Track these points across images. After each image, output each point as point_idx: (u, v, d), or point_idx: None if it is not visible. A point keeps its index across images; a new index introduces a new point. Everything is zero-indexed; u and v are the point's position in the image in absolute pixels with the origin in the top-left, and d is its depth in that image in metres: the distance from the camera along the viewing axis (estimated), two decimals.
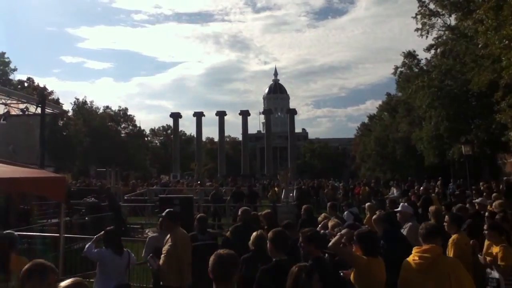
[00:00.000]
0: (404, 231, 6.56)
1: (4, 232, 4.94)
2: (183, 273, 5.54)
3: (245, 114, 68.27)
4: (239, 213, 7.45)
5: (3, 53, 54.38)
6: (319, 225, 6.97)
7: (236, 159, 71.11)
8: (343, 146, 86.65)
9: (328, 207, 9.12)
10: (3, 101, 16.19)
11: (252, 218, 7.31)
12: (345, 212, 9.63)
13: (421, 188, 18.21)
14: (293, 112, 73.36)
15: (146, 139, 79.22)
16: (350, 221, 7.49)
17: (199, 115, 66.18)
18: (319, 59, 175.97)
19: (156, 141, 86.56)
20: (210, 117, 67.23)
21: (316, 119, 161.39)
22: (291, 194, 19.83)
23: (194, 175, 47.69)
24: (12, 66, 55.12)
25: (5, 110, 16.47)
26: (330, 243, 4.58)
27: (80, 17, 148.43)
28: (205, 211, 15.46)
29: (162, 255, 5.60)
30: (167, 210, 6.07)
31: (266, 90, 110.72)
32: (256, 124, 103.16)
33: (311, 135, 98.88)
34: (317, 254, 4.42)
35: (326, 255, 4.81)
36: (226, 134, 74.14)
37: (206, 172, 67.94)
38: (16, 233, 5.19)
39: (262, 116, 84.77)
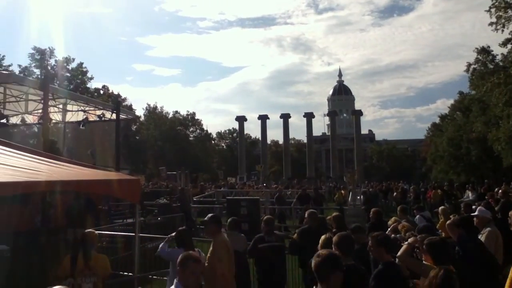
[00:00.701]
0: (481, 237, 6.17)
1: (86, 231, 5.26)
2: (219, 282, 5.44)
3: (309, 116, 67.79)
4: (306, 215, 7.42)
5: (81, 63, 58.15)
6: (389, 229, 6.77)
7: (301, 161, 70.79)
8: (413, 148, 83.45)
9: (399, 211, 8.81)
10: (82, 108, 17.35)
11: (319, 220, 7.25)
12: (417, 216, 9.28)
13: (500, 191, 17.09)
14: (359, 113, 71.71)
15: (213, 142, 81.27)
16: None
17: (263, 118, 66.66)
18: (385, 58, 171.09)
19: (223, 144, 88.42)
20: (274, 119, 67.38)
21: (383, 120, 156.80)
22: (358, 197, 19.40)
23: (259, 177, 48.11)
24: (89, 75, 58.77)
25: (84, 117, 17.65)
26: (399, 253, 4.42)
27: (149, 26, 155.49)
28: (271, 213, 15.55)
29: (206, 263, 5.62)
30: (211, 214, 5.99)
31: (331, 92, 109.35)
32: (320, 126, 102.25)
33: (378, 137, 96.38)
34: (387, 259, 4.28)
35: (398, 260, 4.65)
36: (290, 136, 74.00)
37: (272, 174, 68.28)
38: (95, 232, 5.54)
39: (327, 118, 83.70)
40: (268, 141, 76.90)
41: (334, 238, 4.40)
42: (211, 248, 5.60)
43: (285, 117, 66.57)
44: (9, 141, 6.26)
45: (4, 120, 15.87)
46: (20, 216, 9.01)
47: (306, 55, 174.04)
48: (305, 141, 73.52)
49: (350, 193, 20.14)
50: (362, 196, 19.86)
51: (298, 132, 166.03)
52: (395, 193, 25.19)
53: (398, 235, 6.05)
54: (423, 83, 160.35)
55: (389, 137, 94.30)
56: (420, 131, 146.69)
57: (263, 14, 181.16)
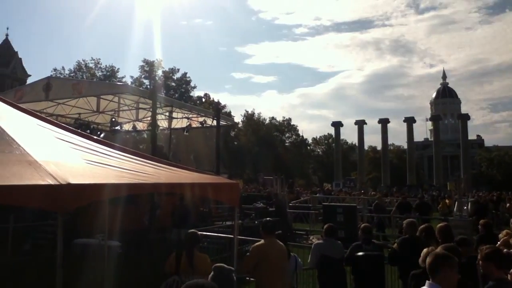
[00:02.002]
0: None
1: (189, 231, 5.57)
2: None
3: (410, 121, 64.71)
4: (404, 225, 7.11)
5: (185, 73, 61.85)
6: (499, 242, 6.22)
7: (400, 168, 67.80)
8: None
9: None
10: (186, 115, 18.43)
11: (421, 231, 6.88)
12: None
13: None
14: (466, 117, 66.76)
15: (308, 147, 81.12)
16: None
17: (360, 123, 65.04)
18: (494, 58, 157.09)
19: (318, 150, 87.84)
20: (372, 125, 65.58)
21: (493, 125, 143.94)
22: (465, 207, 18.06)
23: (356, 183, 46.99)
24: (192, 84, 62.25)
25: (188, 123, 18.72)
26: None
27: (247, 36, 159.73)
28: (369, 221, 15.10)
29: None
30: (264, 220, 5.97)
31: (434, 95, 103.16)
32: (422, 131, 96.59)
33: (488, 142, 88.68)
34: (499, 275, 3.95)
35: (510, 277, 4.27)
36: (389, 142, 71.29)
37: (369, 181, 66.30)
38: (198, 232, 5.84)
39: (429, 123, 79.21)
40: (366, 147, 74.76)
41: (439, 250, 4.18)
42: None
43: (384, 122, 64.26)
44: (123, 146, 6.86)
45: (118, 127, 17.43)
46: (131, 216, 9.80)
47: (406, 58, 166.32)
48: (405, 147, 70.25)
49: (456, 202, 18.85)
50: (469, 206, 18.47)
51: (398, 137, 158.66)
52: (508, 205, 23.01)
53: (511, 250, 5.54)
54: None
55: (500, 143, 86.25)
56: None
57: (360, 17, 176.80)
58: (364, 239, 6.65)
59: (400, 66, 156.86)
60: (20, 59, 63.06)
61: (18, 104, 7.04)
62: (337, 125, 67.17)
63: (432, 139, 70.66)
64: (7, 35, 62.95)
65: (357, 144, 69.38)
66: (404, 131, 65.47)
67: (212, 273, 3.67)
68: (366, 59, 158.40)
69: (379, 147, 72.65)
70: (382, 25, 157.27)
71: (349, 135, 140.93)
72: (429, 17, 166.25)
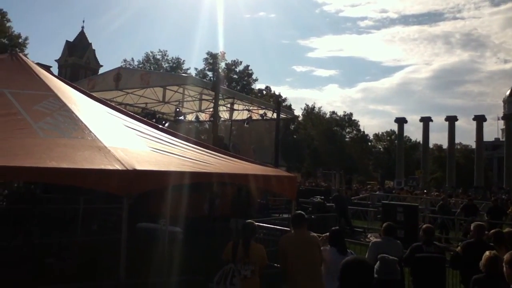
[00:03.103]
0: None
1: (247, 221, 5.66)
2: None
3: (480, 119, 61.23)
4: (472, 228, 6.78)
5: (247, 66, 62.47)
6: None
7: (467, 169, 64.50)
8: None
9: None
10: (247, 107, 18.63)
11: (490, 236, 6.53)
12: None
13: None
14: None
15: (369, 144, 79.24)
16: None
17: (426, 120, 62.45)
18: None
19: (379, 146, 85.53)
20: (438, 122, 62.68)
21: None
22: None
23: (419, 183, 45.36)
24: (253, 77, 62.78)
25: (248, 115, 18.93)
26: None
27: (310, 29, 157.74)
28: (431, 222, 14.54)
29: None
30: (294, 213, 5.95)
31: (508, 92, 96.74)
32: (493, 130, 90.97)
33: None
34: None
35: None
36: (456, 141, 67.92)
37: (433, 181, 63.73)
38: (255, 223, 5.92)
39: (501, 122, 74.50)
40: (430, 145, 71.78)
41: (506, 256, 3.96)
42: None
43: (451, 119, 61.29)
44: (186, 135, 7.09)
45: (182, 117, 17.98)
46: (192, 203, 10.08)
47: (477, 52, 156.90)
48: (473, 146, 66.69)
49: None
50: None
51: (466, 136, 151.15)
52: None
53: None
54: None
55: None
56: None
57: (429, 10, 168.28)
58: (425, 240, 6.43)
59: (471, 61, 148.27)
60: (94, 50, 66.72)
61: (90, 93, 7.48)
62: (400, 121, 64.96)
63: (503, 139, 66.46)
64: (82, 27, 66.82)
65: (421, 142, 66.81)
66: (473, 129, 62.15)
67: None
68: (435, 53, 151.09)
69: (444, 146, 69.48)
70: (453, 18, 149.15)
71: (413, 132, 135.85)
72: (505, 9, 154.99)
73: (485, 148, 67.86)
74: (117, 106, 8.25)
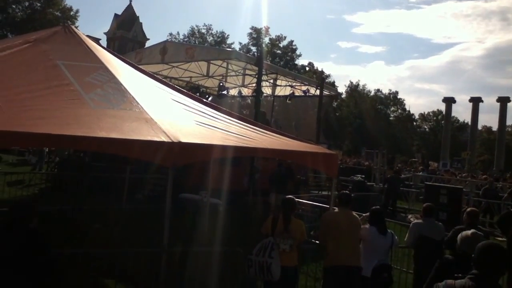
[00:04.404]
0: None
1: (287, 196, 5.72)
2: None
3: None
4: None
5: (291, 41, 61.69)
6: None
7: None
8: None
9: None
10: (290, 83, 18.52)
11: None
12: None
13: None
14: None
15: (414, 123, 77.09)
16: None
17: (476, 101, 59.85)
18: None
19: (425, 127, 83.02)
20: (489, 103, 60.11)
21: None
22: None
23: (465, 165, 43.91)
24: (297, 52, 61.99)
25: (291, 92, 18.84)
26: None
27: (357, 3, 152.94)
28: (476, 206, 14.14)
29: None
30: (340, 192, 6.00)
31: None
32: None
33: None
34: None
35: None
36: (508, 123, 64.84)
37: (480, 163, 61.50)
38: (295, 198, 5.98)
39: None
40: (479, 127, 68.97)
41: None
42: None
43: (503, 100, 58.43)
44: (228, 110, 7.18)
45: (225, 92, 18.12)
46: (232, 177, 10.26)
47: None
48: None
49: None
50: None
51: None
52: None
53: None
54: None
55: None
56: None
57: None
58: (469, 223, 6.28)
59: None
60: (141, 23, 67.71)
61: (138, 66, 7.68)
62: (449, 101, 62.64)
63: None
64: (130, 1, 67.79)
65: (469, 123, 64.30)
66: None
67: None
68: (489, 30, 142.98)
69: (494, 128, 66.55)
70: None
71: (461, 113, 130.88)
72: None
73: None
74: (163, 80, 8.43)
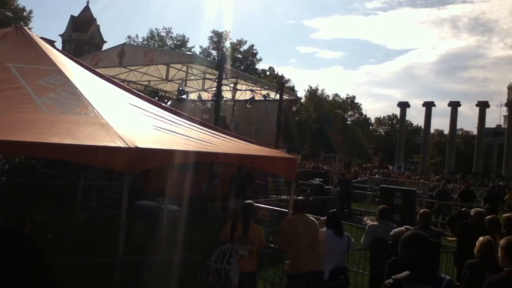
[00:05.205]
0: None
1: (246, 201, 5.73)
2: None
3: (483, 105, 61.00)
4: (472, 214, 6.87)
5: (252, 45, 61.97)
6: None
7: (467, 155, 64.60)
8: None
9: None
10: (250, 87, 18.58)
11: (486, 221, 6.62)
12: None
13: None
14: None
15: (371, 127, 79.22)
16: None
17: (428, 105, 62.24)
18: None
19: (381, 130, 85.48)
20: (441, 107, 62.85)
21: None
22: None
23: (419, 167, 45.51)
24: (258, 57, 62.34)
25: (251, 96, 18.89)
26: None
27: (316, 9, 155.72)
28: (428, 207, 14.68)
29: None
30: (296, 198, 6.16)
31: None
32: (495, 117, 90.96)
33: None
34: None
35: None
36: (458, 127, 67.81)
37: (432, 166, 63.90)
38: (254, 203, 5.99)
39: (504, 109, 74.27)
40: (432, 130, 71.70)
41: (502, 241, 4.04)
42: None
43: (454, 105, 61.09)
44: (188, 114, 7.11)
45: (184, 96, 17.95)
46: (191, 182, 10.16)
47: (484, 37, 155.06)
48: (475, 133, 66.65)
49: None
50: None
51: (467, 122, 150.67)
52: None
53: None
54: None
55: None
56: None
57: None
58: (421, 224, 6.52)
59: (477, 46, 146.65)
60: (98, 25, 66.07)
61: (94, 69, 7.48)
62: (403, 105, 64.82)
63: (505, 126, 66.33)
64: (87, 2, 66.07)
65: (422, 127, 66.74)
66: (475, 116, 62.04)
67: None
68: (441, 37, 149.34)
69: (446, 131, 69.37)
70: (461, 1, 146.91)
71: (415, 117, 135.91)
72: None
73: (486, 134, 67.74)
74: (121, 83, 8.25)
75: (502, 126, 76.22)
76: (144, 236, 7.52)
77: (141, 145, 4.34)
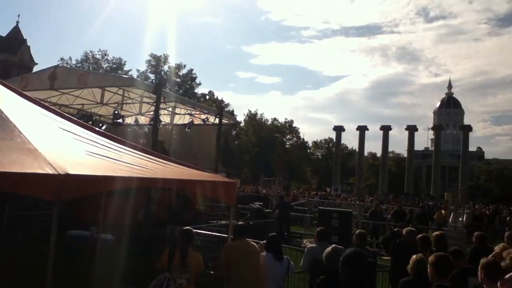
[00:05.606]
0: None
1: (184, 228, 5.61)
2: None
3: (412, 129, 64.75)
4: (404, 233, 7.15)
5: (191, 70, 61.97)
6: (491, 255, 6.24)
7: (399, 176, 67.88)
8: None
9: (506, 237, 8.03)
10: (189, 111, 18.45)
11: (417, 240, 6.91)
12: None
13: None
14: (468, 128, 66.76)
15: (308, 151, 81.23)
16: None
17: (362, 129, 65.05)
18: (501, 70, 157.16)
19: (318, 154, 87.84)
20: (373, 131, 65.85)
21: (494, 137, 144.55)
22: (460, 219, 18.16)
23: (354, 189, 47.02)
24: (197, 81, 62.38)
25: (190, 120, 18.75)
26: (509, 275, 4.12)
27: (254, 35, 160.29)
28: (364, 228, 15.14)
29: None
30: (235, 224, 6.22)
31: (438, 104, 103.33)
32: (423, 140, 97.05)
33: (488, 155, 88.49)
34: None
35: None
36: (390, 149, 71.33)
37: (367, 187, 66.36)
38: (193, 230, 5.87)
39: (431, 132, 79.37)
40: (366, 153, 74.80)
41: (431, 258, 4.25)
42: None
43: (386, 129, 64.31)
44: (124, 139, 6.90)
45: (120, 120, 17.45)
46: (126, 209, 9.77)
47: (411, 65, 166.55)
48: (405, 155, 70.34)
49: (452, 213, 18.93)
50: (464, 218, 18.55)
51: (398, 145, 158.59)
52: (508, 218, 23.10)
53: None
54: None
55: (500, 156, 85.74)
56: None
57: (369, 23, 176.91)
58: (358, 245, 6.69)
59: (405, 73, 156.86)
60: (29, 47, 63.11)
61: (23, 92, 7.09)
62: (338, 129, 67.26)
63: (432, 149, 70.64)
64: (17, 22, 63.08)
65: (357, 150, 69.42)
66: (405, 138, 65.58)
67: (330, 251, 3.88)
68: (372, 65, 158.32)
69: (379, 154, 72.67)
70: (390, 32, 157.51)
71: (350, 140, 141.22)
72: (437, 26, 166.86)
73: (416, 156, 71.80)
74: (51, 107, 7.87)
75: (430, 149, 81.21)
76: (75, 268, 7.09)
77: (72, 171, 4.13)
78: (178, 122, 20.16)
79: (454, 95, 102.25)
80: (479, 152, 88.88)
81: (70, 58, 58.39)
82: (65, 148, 4.97)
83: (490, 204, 35.13)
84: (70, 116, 7.08)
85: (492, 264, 4.26)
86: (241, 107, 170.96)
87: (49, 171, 3.99)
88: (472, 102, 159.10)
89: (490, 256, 6.05)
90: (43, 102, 7.38)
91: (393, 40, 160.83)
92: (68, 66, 50.05)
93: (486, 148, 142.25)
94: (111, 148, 5.76)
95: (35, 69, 55.53)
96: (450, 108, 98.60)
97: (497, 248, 6.77)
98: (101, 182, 4.62)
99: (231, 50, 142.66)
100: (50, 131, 5.48)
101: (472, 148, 74.91)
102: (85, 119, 15.07)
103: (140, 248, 9.40)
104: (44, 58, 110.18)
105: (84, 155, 5.02)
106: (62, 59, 58.19)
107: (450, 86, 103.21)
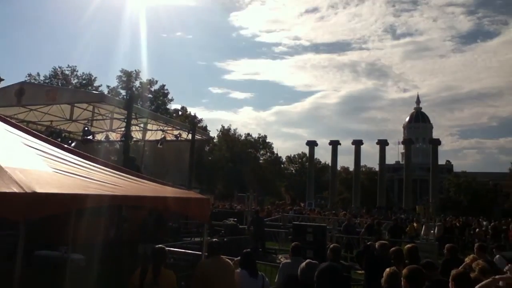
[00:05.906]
0: None
1: (156, 246, 5.49)
2: None
3: (382, 143, 65.97)
4: (377, 246, 7.20)
5: (163, 86, 61.62)
6: (461, 266, 6.35)
7: (371, 190, 68.80)
8: (495, 182, 77.59)
9: (476, 248, 8.23)
10: (161, 127, 18.28)
11: (391, 253, 6.97)
12: (496, 256, 8.67)
13: None
14: (437, 142, 68.54)
15: (282, 166, 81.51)
16: (502, 266, 6.70)
17: (334, 144, 65.86)
18: (465, 85, 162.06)
19: (292, 168, 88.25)
20: (345, 145, 66.63)
21: (462, 151, 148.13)
22: (432, 231, 18.48)
23: (328, 203, 47.37)
24: (169, 97, 62.02)
25: (162, 136, 18.57)
26: (478, 285, 4.18)
27: (226, 51, 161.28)
28: (338, 242, 15.19)
29: None
30: (209, 241, 6.23)
31: (407, 119, 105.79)
32: (394, 154, 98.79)
33: (456, 168, 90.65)
34: None
35: None
36: (362, 163, 72.35)
37: (340, 201, 66.94)
38: (165, 248, 5.75)
39: (401, 146, 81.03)
40: (338, 168, 75.63)
41: (404, 271, 4.27)
42: None
43: (357, 143, 65.30)
44: (94, 156, 6.74)
45: (90, 137, 17.10)
46: (97, 228, 9.53)
47: (381, 81, 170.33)
48: (377, 169, 71.45)
49: (423, 226, 19.26)
50: (436, 231, 18.87)
51: (370, 159, 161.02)
52: (477, 230, 23.66)
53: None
54: (507, 113, 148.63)
55: (468, 169, 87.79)
56: (504, 164, 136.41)
57: (338, 40, 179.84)
58: (332, 259, 6.69)
59: (375, 89, 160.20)
60: None
61: None
62: (311, 144, 67.88)
63: (403, 162, 72.06)
64: None
65: (330, 164, 70.09)
66: (377, 153, 66.67)
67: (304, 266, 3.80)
68: (343, 80, 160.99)
69: (351, 168, 73.56)
70: (359, 48, 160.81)
71: (323, 155, 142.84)
72: (404, 42, 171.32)
73: (387, 170, 72.98)
74: (17, 123, 7.64)
75: (400, 162, 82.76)
76: None
77: (40, 189, 4.00)
78: (150, 138, 19.93)
79: (422, 110, 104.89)
80: (448, 165, 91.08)
81: (38, 74, 57.10)
82: (31, 166, 4.81)
83: (460, 216, 35.95)
84: (37, 133, 6.88)
85: (462, 275, 4.33)
86: (214, 122, 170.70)
87: (15, 189, 3.84)
88: (440, 117, 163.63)
89: (460, 267, 6.17)
90: (8, 119, 7.15)
91: (363, 56, 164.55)
92: (36, 82, 48.97)
93: (455, 161, 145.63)
94: (80, 165, 5.62)
95: (2, 85, 54.03)
96: (419, 123, 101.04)
97: (467, 260, 6.90)
98: (70, 201, 4.47)
99: (203, 66, 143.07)
100: (15, 148, 5.30)
101: (441, 161, 76.89)
102: (54, 136, 14.69)
103: (111, 268, 9.14)
104: (11, 74, 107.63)
105: (52, 172, 4.87)
106: (29, 75, 56.82)
107: (418, 101, 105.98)
